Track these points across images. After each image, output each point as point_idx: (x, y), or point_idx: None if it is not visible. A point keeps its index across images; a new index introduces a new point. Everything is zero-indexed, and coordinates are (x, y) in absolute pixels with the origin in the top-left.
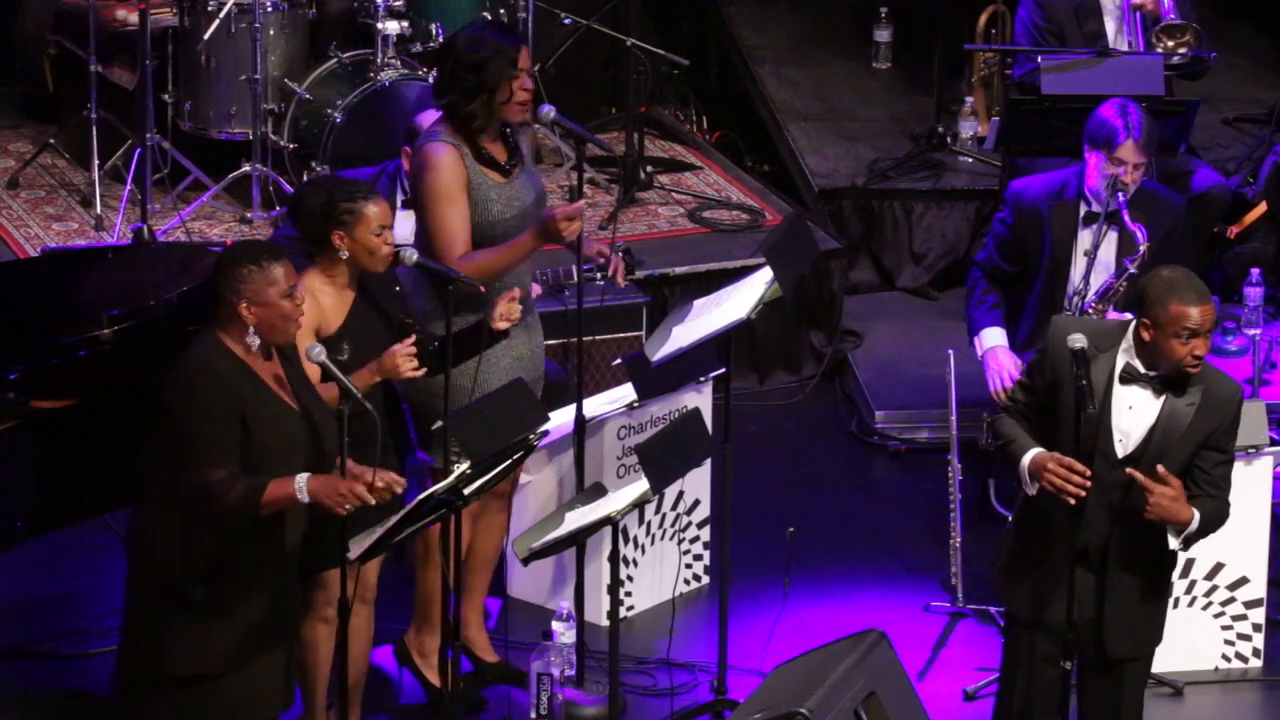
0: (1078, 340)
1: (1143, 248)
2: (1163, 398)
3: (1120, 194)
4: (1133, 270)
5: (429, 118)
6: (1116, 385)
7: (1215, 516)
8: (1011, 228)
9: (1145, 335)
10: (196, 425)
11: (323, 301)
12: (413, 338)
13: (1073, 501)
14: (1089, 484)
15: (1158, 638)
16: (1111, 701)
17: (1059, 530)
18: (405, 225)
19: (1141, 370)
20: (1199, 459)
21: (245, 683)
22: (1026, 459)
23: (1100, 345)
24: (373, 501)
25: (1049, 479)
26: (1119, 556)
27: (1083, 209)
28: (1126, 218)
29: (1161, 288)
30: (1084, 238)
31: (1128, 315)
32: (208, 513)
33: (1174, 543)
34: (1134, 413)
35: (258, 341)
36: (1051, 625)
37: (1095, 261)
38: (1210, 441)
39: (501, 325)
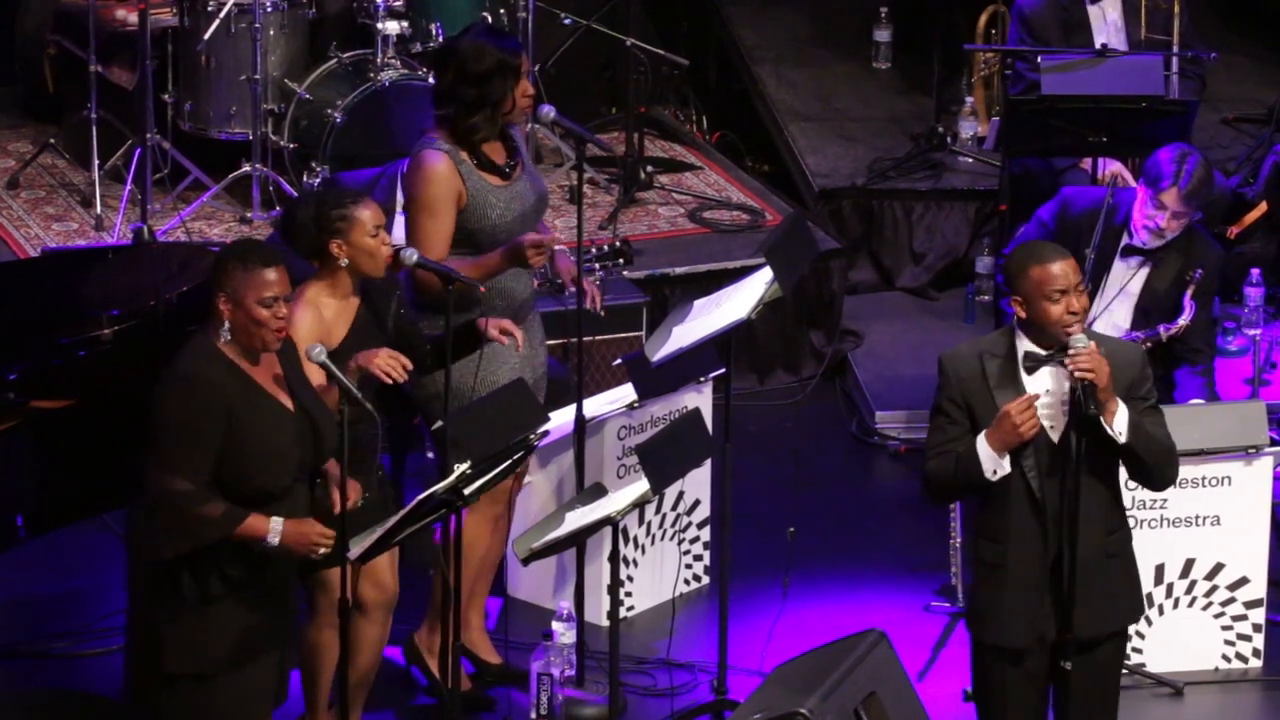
0: (1080, 340)
1: (1184, 320)
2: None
3: (1123, 192)
4: (1164, 339)
5: None
6: (1025, 378)
7: (1164, 439)
8: (1051, 232)
9: (1022, 313)
10: (172, 433)
11: (325, 315)
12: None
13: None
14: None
15: (1131, 610)
16: (1089, 687)
17: (1018, 543)
18: (403, 228)
19: (1041, 353)
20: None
21: (243, 682)
22: (979, 440)
23: (996, 351)
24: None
25: (1017, 421)
26: (1074, 539)
27: (1125, 239)
28: (1189, 294)
29: (1017, 260)
30: (1118, 267)
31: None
32: (170, 518)
33: (1116, 427)
34: (1051, 395)
35: (229, 336)
36: (1036, 643)
37: (1122, 292)
38: (1129, 395)
39: (501, 339)
